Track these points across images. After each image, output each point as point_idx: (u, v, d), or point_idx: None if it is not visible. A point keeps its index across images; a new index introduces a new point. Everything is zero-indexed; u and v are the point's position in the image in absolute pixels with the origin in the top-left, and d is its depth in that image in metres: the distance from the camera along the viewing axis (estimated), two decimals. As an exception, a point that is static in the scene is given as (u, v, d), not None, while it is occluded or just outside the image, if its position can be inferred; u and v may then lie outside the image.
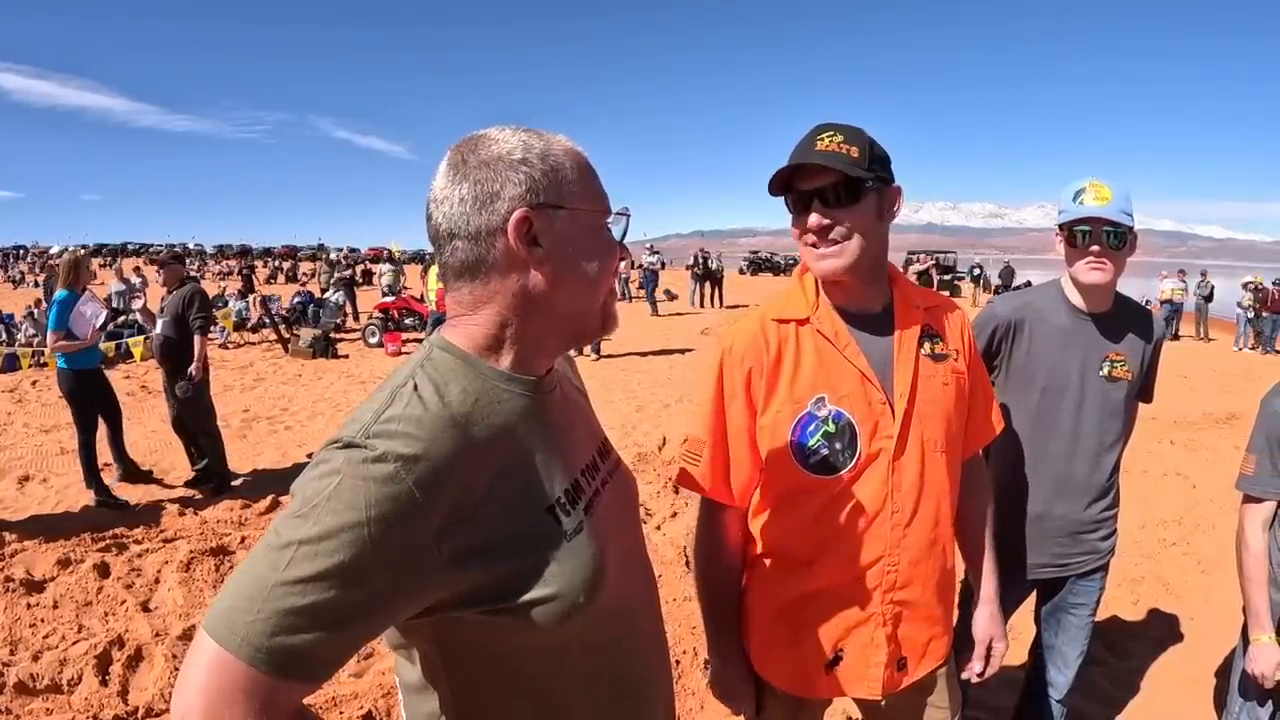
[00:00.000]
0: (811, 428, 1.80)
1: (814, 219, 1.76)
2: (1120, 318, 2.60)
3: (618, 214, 1.24)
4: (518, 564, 1.08)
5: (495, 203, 1.11)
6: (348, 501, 0.94)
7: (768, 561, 1.96)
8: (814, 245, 1.79)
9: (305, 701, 1.04)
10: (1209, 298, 22.37)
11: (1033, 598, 2.92)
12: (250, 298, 20.87)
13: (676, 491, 6.58)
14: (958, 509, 1.98)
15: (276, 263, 50.35)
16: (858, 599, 1.86)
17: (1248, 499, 2.66)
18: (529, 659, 1.16)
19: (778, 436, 1.82)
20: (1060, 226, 2.52)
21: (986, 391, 2.10)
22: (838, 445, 1.79)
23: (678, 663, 4.07)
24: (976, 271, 36.08)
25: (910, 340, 1.86)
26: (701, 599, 2.04)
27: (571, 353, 1.50)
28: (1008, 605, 2.79)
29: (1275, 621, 2.55)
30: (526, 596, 1.09)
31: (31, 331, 16.93)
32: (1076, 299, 2.58)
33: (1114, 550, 2.76)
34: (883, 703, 1.97)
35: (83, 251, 7.11)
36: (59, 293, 6.70)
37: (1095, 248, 2.43)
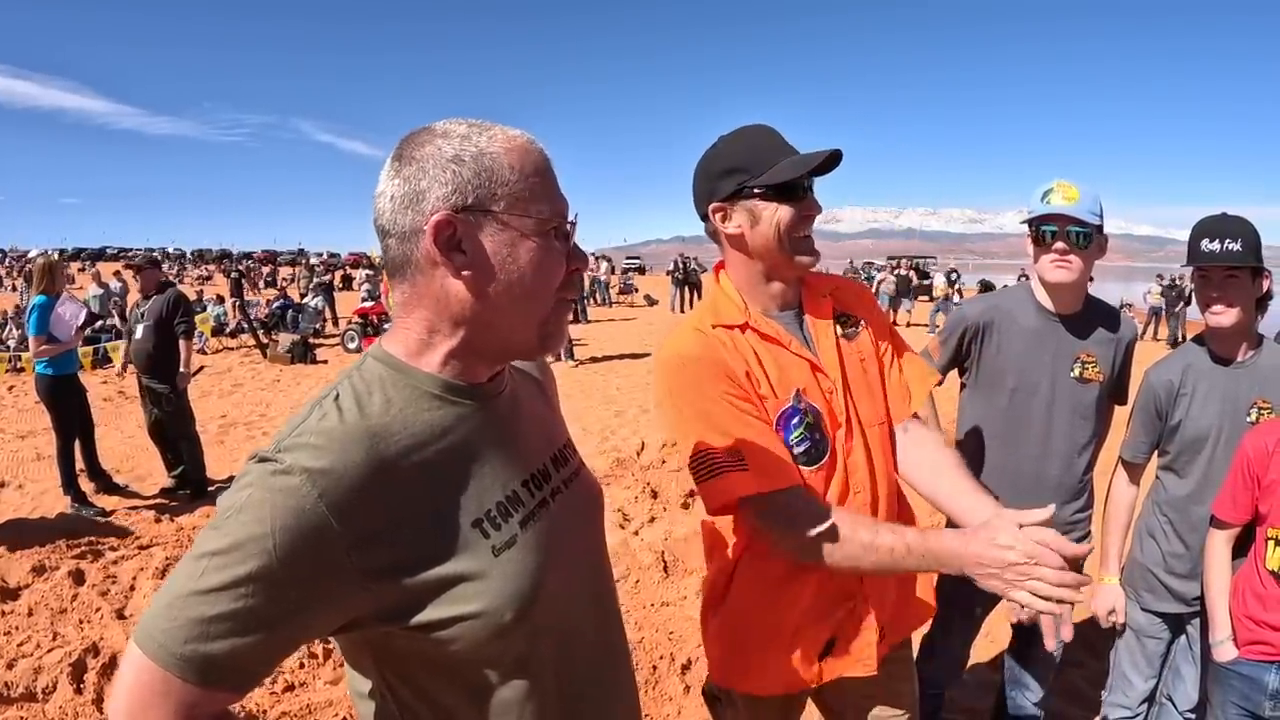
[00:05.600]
0: (795, 420, 1.80)
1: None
2: (1090, 319, 2.62)
3: (553, 221, 1.12)
4: (438, 580, 1.06)
5: (421, 202, 1.06)
6: (254, 514, 0.95)
7: (753, 565, 1.94)
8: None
9: (283, 709, 1.04)
10: (1186, 300, 22.43)
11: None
12: (229, 302, 20.76)
13: (655, 496, 6.58)
14: (922, 463, 1.99)
15: (257, 267, 49.98)
16: (844, 584, 1.87)
17: (1122, 459, 2.88)
18: (467, 671, 1.13)
19: None
20: (1028, 226, 2.54)
21: (905, 353, 2.09)
22: (816, 435, 1.82)
23: (654, 668, 4.06)
24: (953, 276, 36.28)
25: (827, 326, 1.91)
26: (885, 563, 1.65)
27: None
28: (980, 608, 2.81)
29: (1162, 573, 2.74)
30: (448, 614, 1.06)
31: (16, 333, 16.70)
32: (1045, 300, 2.59)
33: (1089, 553, 2.77)
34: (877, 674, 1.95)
35: (56, 255, 7.06)
36: (35, 298, 6.64)
37: (1060, 245, 2.44)
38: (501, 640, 1.10)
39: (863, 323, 2.00)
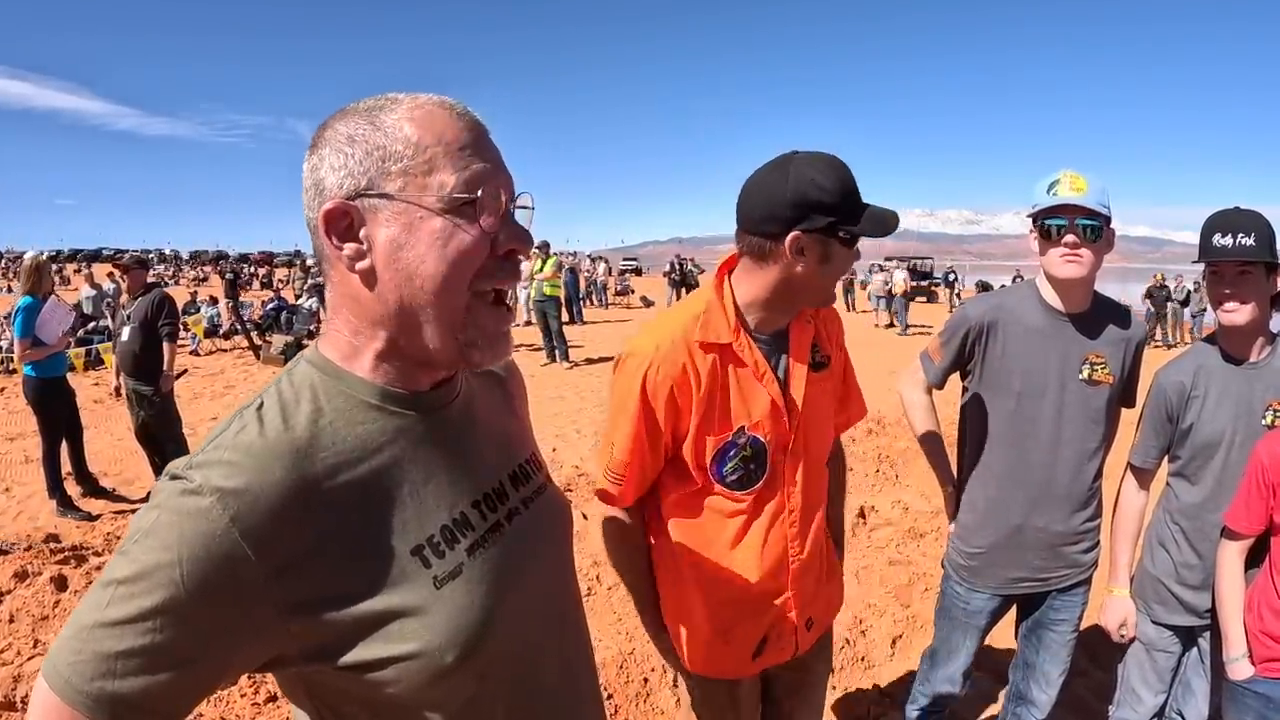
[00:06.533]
0: (731, 453, 1.95)
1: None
2: (1099, 317, 2.51)
3: (468, 198, 0.97)
4: (369, 616, 0.95)
5: (322, 192, 0.97)
6: (161, 540, 0.85)
7: (689, 569, 2.06)
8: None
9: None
10: (1184, 302, 22.37)
11: (1013, 613, 2.84)
12: (223, 303, 20.69)
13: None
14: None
15: (252, 269, 50.02)
16: (772, 593, 2.07)
17: (1131, 465, 2.77)
18: (409, 716, 1.02)
19: (699, 459, 1.95)
20: (1034, 219, 2.44)
21: (851, 380, 2.29)
22: (752, 466, 1.97)
23: (645, 681, 3.97)
24: (951, 277, 36.35)
25: (804, 356, 2.03)
26: (635, 590, 2.20)
27: (515, 356, 1.35)
28: (987, 620, 2.72)
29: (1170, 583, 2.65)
30: (381, 654, 0.95)
31: (8, 334, 16.63)
32: (1052, 298, 2.49)
33: (1097, 563, 2.69)
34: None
35: (45, 256, 6.97)
36: (22, 299, 6.57)
37: (1070, 238, 2.34)
38: (445, 682, 0.99)
39: (830, 356, 2.15)
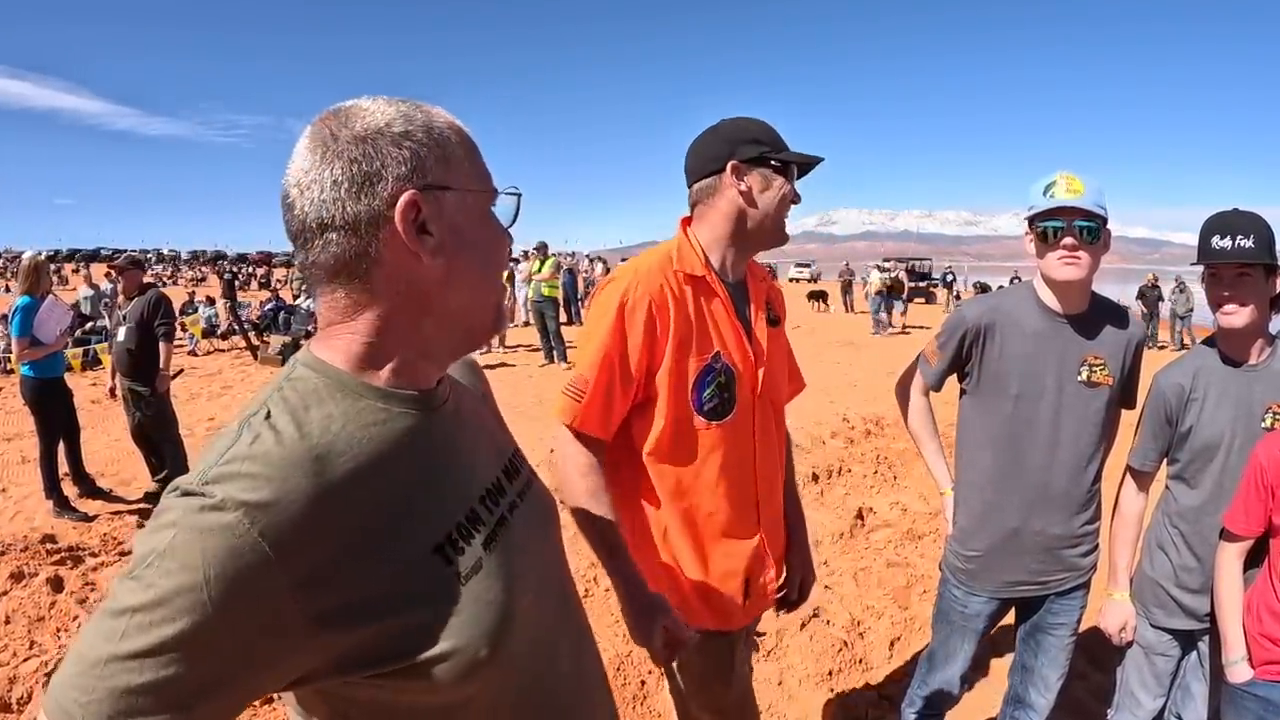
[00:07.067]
0: (709, 378, 2.09)
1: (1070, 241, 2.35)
2: (1097, 318, 2.50)
3: (506, 194, 1.09)
4: (401, 620, 0.92)
5: (376, 185, 0.94)
6: (183, 560, 0.79)
7: (677, 508, 2.14)
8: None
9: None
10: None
11: (1012, 615, 2.82)
12: (219, 303, 20.66)
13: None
14: None
15: (250, 269, 49.97)
16: (748, 528, 2.22)
17: (1130, 468, 2.75)
18: (439, 716, 1.00)
19: (681, 385, 2.07)
20: (1030, 222, 2.43)
21: (792, 355, 2.50)
22: (725, 395, 2.11)
23: (643, 683, 3.96)
24: (950, 277, 36.34)
25: (760, 307, 2.25)
26: (593, 535, 2.04)
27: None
28: (984, 624, 2.71)
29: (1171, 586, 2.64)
30: (417, 657, 0.92)
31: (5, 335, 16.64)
32: (1050, 300, 2.48)
33: (1096, 566, 2.68)
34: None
35: (43, 256, 6.94)
36: (20, 299, 6.55)
37: (1068, 240, 2.34)
38: (477, 677, 0.97)
39: (780, 319, 2.36)
